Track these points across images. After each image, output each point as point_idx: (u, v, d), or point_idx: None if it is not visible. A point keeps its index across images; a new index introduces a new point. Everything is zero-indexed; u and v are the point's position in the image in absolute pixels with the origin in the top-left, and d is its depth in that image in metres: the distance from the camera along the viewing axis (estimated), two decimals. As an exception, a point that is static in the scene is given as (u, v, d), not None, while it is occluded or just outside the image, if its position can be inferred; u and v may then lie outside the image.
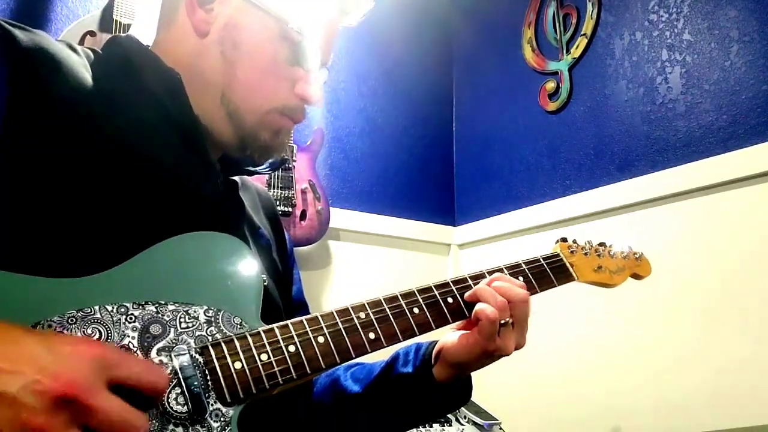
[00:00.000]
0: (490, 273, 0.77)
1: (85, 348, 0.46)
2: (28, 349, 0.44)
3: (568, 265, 0.85)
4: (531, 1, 2.02)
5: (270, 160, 0.80)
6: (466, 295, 0.74)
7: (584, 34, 1.79)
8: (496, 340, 0.71)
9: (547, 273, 0.82)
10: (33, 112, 0.57)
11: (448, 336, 0.76)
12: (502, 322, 0.71)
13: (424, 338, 0.74)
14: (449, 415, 1.52)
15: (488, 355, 0.72)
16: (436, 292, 0.73)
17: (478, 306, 0.71)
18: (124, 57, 0.70)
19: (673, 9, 1.56)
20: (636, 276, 0.96)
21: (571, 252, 0.88)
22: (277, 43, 0.71)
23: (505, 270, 0.79)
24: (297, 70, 0.73)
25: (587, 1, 1.80)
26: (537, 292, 0.80)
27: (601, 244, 0.93)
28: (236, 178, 0.82)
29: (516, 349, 0.73)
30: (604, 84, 1.73)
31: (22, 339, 0.45)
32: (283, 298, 0.81)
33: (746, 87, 1.38)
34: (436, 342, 0.78)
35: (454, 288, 0.74)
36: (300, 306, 0.89)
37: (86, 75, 0.64)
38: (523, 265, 0.81)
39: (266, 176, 1.67)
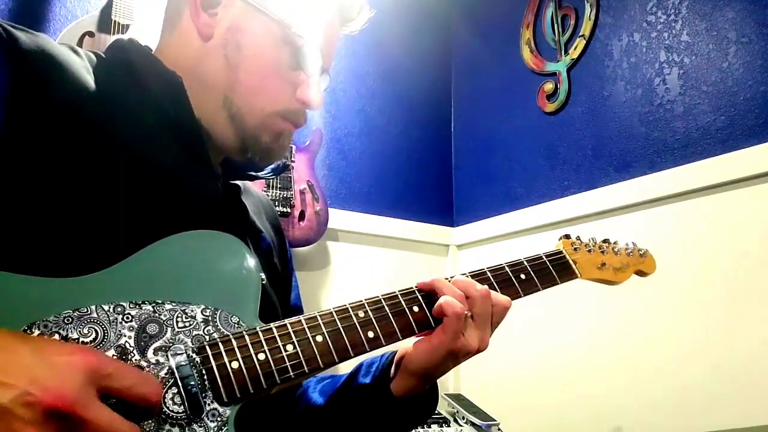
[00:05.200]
0: (492, 270, 0.77)
1: (79, 358, 0.46)
2: (21, 359, 0.44)
3: (570, 262, 0.85)
4: (529, 2, 2.02)
5: (272, 165, 0.81)
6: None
7: (582, 35, 1.80)
8: (460, 337, 0.67)
9: (549, 270, 0.81)
10: (34, 113, 0.57)
11: (407, 345, 0.72)
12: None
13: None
14: (448, 416, 1.51)
15: (453, 355, 0.68)
16: None
17: (443, 300, 0.68)
18: (126, 60, 0.70)
19: (671, 10, 1.57)
20: (640, 273, 0.95)
21: (575, 249, 0.87)
22: (280, 47, 0.71)
23: (506, 267, 0.78)
24: (299, 75, 0.73)
25: (585, 3, 1.80)
26: (539, 290, 0.79)
27: (605, 241, 0.92)
28: (239, 182, 0.82)
29: (479, 350, 0.70)
30: (602, 85, 1.73)
31: (16, 349, 0.44)
32: (281, 302, 0.81)
33: (744, 88, 1.38)
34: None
35: None
36: (296, 311, 0.89)
37: (88, 78, 0.64)
38: (524, 262, 0.80)
39: (265, 177, 1.67)
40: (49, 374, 0.43)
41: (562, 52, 1.86)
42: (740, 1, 1.41)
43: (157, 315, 0.56)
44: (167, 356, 0.54)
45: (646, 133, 1.58)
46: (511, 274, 0.78)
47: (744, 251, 1.32)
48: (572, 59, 1.82)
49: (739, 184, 1.35)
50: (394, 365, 0.73)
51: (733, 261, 1.33)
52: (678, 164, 1.48)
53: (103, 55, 0.71)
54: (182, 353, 0.55)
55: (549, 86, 1.89)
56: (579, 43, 1.80)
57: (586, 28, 1.79)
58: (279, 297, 0.80)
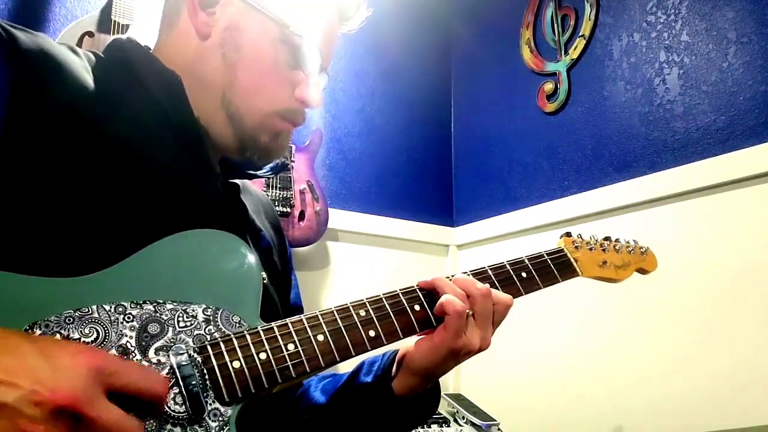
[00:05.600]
0: (493, 269, 0.77)
1: (83, 357, 0.46)
2: (25, 359, 0.44)
3: (572, 260, 0.85)
4: (529, 2, 2.02)
5: (271, 164, 0.81)
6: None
7: (582, 36, 1.80)
8: (462, 336, 0.67)
9: (550, 268, 0.81)
10: (34, 113, 0.57)
11: (408, 344, 0.72)
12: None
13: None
14: (448, 416, 1.51)
15: (455, 353, 0.68)
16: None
17: (445, 299, 0.68)
18: (125, 60, 0.71)
19: (671, 10, 1.57)
20: (642, 271, 0.95)
21: (576, 247, 0.87)
22: (278, 46, 0.71)
23: (508, 266, 0.78)
24: (297, 74, 0.73)
25: (585, 3, 1.80)
26: (540, 288, 0.79)
27: (606, 239, 0.92)
28: (238, 181, 0.82)
29: (480, 348, 0.69)
30: (602, 85, 1.73)
31: (20, 348, 0.44)
32: (281, 301, 0.81)
33: (744, 88, 1.38)
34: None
35: None
36: (296, 310, 0.89)
37: (87, 77, 0.64)
38: (526, 260, 0.80)
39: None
40: (54, 374, 0.43)
41: (562, 52, 1.86)
42: (740, 1, 1.41)
43: (158, 315, 0.56)
44: (168, 356, 0.54)
45: (646, 133, 1.58)
46: (512, 273, 0.78)
47: (744, 251, 1.32)
48: (572, 59, 1.82)
49: (739, 184, 1.35)
50: (395, 364, 0.73)
51: (733, 261, 1.33)
52: (678, 164, 1.48)
53: (102, 55, 0.71)
54: (183, 353, 0.55)
55: (549, 86, 1.89)
56: (579, 43, 1.80)
57: (586, 28, 1.79)
58: (279, 296, 0.80)
